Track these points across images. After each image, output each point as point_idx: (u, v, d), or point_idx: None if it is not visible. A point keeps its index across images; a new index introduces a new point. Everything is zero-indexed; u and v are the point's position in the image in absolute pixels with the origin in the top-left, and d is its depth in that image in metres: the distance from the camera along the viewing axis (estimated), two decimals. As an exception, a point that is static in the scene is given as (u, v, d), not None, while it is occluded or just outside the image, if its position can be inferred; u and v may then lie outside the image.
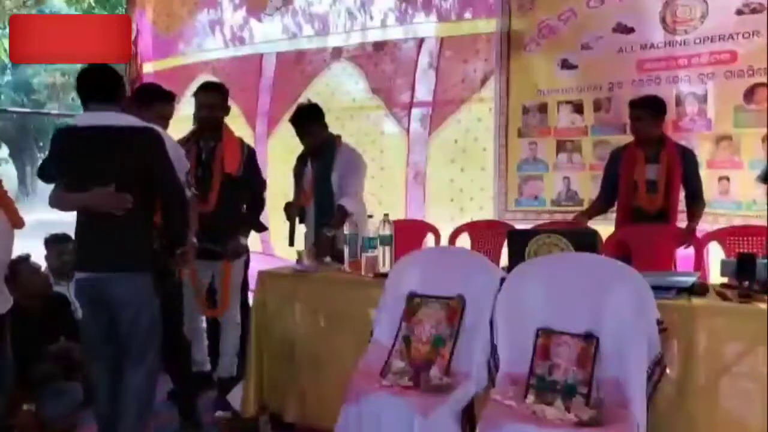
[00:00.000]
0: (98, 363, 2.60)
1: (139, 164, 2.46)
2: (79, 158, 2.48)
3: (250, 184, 3.38)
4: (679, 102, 3.74)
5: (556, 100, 4.12)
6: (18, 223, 2.47)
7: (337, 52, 4.99)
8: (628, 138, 3.57)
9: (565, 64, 4.07)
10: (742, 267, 2.30)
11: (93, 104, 2.51)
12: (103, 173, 2.43)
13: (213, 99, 3.32)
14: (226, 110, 3.41)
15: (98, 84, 2.52)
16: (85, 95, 2.53)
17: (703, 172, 3.52)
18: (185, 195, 2.66)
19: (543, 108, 4.17)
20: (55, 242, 3.74)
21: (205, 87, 3.42)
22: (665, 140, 3.38)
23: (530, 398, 2.02)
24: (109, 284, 2.46)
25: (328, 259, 3.14)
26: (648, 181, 3.36)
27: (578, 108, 4.06)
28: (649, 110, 3.34)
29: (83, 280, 2.53)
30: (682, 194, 3.41)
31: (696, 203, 3.37)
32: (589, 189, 3.99)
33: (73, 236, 2.69)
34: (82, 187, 2.46)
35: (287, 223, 3.45)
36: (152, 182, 2.49)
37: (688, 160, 3.36)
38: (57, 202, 2.59)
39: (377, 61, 4.80)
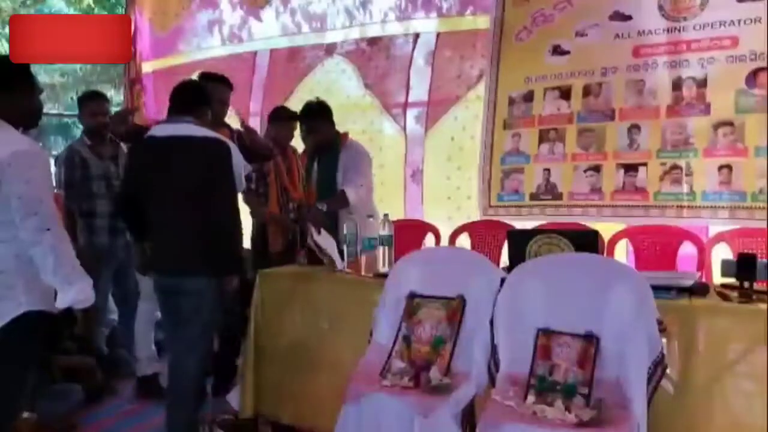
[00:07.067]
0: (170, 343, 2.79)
1: (206, 174, 2.54)
2: (153, 164, 2.59)
3: None
4: (676, 86, 3.58)
5: (543, 86, 3.98)
6: None
7: (330, 48, 4.96)
8: (615, 124, 3.58)
9: (557, 50, 3.95)
10: (742, 267, 2.30)
11: (172, 115, 2.65)
12: (172, 179, 2.54)
13: None
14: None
15: (180, 97, 2.66)
16: (170, 107, 2.69)
17: (701, 161, 3.44)
18: (230, 214, 2.67)
19: (529, 97, 4.04)
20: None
21: None
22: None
23: (530, 398, 2.01)
24: (178, 285, 2.59)
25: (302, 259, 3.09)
26: None
27: (565, 94, 3.90)
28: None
29: (157, 278, 2.70)
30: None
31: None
32: (569, 181, 3.87)
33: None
34: (153, 189, 2.59)
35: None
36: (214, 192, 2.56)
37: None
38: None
39: (371, 56, 4.75)
